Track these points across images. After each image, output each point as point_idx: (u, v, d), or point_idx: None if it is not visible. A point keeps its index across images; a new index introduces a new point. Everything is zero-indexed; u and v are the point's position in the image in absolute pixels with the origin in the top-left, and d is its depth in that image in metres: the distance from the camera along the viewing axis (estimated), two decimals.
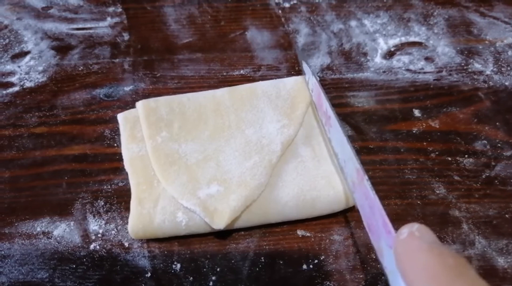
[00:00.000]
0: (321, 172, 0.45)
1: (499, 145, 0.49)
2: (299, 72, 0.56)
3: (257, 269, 0.41)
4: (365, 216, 0.39)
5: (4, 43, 0.60)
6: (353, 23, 0.62)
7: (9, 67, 0.58)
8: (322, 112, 0.47)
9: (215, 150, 0.46)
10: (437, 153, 0.49)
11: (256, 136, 0.47)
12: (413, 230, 0.30)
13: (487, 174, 0.47)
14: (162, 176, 0.44)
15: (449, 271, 0.27)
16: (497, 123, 0.51)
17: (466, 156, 0.49)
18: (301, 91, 0.50)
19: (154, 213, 0.42)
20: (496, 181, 0.47)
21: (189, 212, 0.42)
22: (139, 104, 0.49)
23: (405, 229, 0.31)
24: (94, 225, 0.44)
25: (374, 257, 0.42)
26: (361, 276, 0.41)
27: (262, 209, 0.42)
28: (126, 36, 0.61)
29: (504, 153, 0.49)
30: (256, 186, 0.43)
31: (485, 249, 0.42)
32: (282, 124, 0.47)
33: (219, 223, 0.41)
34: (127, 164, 0.46)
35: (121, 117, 0.49)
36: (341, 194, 0.43)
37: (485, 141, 0.50)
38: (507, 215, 0.44)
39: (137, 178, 0.45)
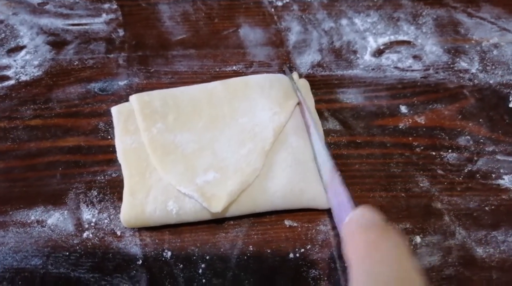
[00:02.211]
0: (310, 166, 0.46)
1: (481, 140, 0.51)
2: (290, 69, 0.57)
3: (246, 257, 0.43)
4: (336, 213, 0.42)
5: (0, 37, 0.61)
6: (344, 21, 0.64)
7: (5, 61, 0.59)
8: (305, 120, 0.50)
9: (210, 140, 0.47)
10: (422, 148, 0.50)
11: (249, 125, 0.48)
12: (356, 212, 0.35)
13: (469, 169, 0.49)
14: (160, 166, 0.45)
15: (371, 245, 0.31)
16: (481, 120, 0.53)
17: (449, 151, 0.50)
18: (290, 86, 0.52)
19: (146, 202, 0.43)
20: (477, 175, 0.48)
21: (180, 201, 0.43)
22: (133, 97, 0.50)
23: (350, 214, 0.35)
24: (87, 214, 0.45)
25: None
26: (345, 265, 0.42)
27: (251, 197, 0.44)
28: (121, 32, 0.62)
29: (486, 149, 0.50)
30: (251, 171, 0.44)
31: (465, 240, 0.44)
32: (274, 111, 0.49)
33: (217, 206, 0.42)
34: (120, 156, 0.47)
35: (114, 110, 0.50)
36: (323, 193, 0.45)
37: (469, 137, 0.51)
38: (487, 208, 0.46)
39: (130, 170, 0.46)
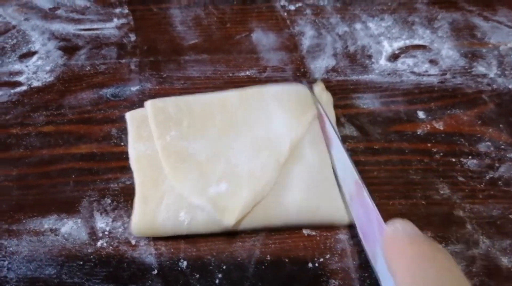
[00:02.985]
0: (327, 181, 0.45)
1: (502, 147, 0.50)
2: (304, 74, 0.57)
3: (263, 267, 0.42)
4: (361, 226, 0.41)
5: (12, 43, 0.61)
6: (357, 25, 0.63)
7: (17, 66, 0.58)
8: (324, 133, 0.48)
9: (224, 147, 0.46)
10: (441, 154, 0.49)
11: (264, 133, 0.47)
12: (396, 226, 0.35)
13: (491, 175, 0.48)
14: (173, 174, 0.44)
15: (422, 256, 0.31)
16: (501, 125, 0.52)
17: (470, 157, 0.49)
18: (310, 98, 0.51)
19: (158, 211, 0.42)
20: (499, 182, 0.47)
21: (192, 211, 0.42)
22: (148, 103, 0.49)
23: (390, 225, 0.35)
24: (101, 223, 0.44)
25: None
26: (366, 274, 0.41)
27: (265, 210, 0.43)
28: (132, 37, 0.62)
29: (507, 155, 0.49)
30: (266, 182, 0.43)
31: (489, 249, 0.43)
32: (290, 124, 0.47)
33: (229, 220, 0.41)
34: (133, 163, 0.47)
35: (128, 116, 0.50)
36: (342, 208, 0.44)
37: (489, 143, 0.50)
38: (510, 216, 0.45)
39: (143, 177, 0.45)
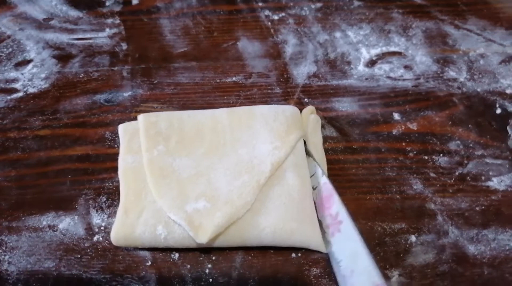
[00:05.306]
0: (305, 206, 0.45)
1: (471, 145, 0.54)
2: (288, 80, 0.60)
3: (250, 257, 0.45)
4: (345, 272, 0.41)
5: (7, 51, 0.64)
6: (337, 34, 0.67)
7: (13, 74, 0.61)
8: (328, 214, 0.46)
9: (208, 167, 0.47)
10: (415, 152, 0.53)
11: (248, 156, 0.48)
12: None
13: (460, 171, 0.51)
14: (154, 188, 0.45)
15: None
16: (470, 126, 0.55)
17: (441, 155, 0.53)
18: (298, 120, 0.51)
19: (137, 224, 0.43)
20: (468, 178, 0.51)
21: (169, 226, 0.43)
22: (140, 117, 0.51)
23: None
24: (97, 219, 0.47)
25: None
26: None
27: (240, 231, 0.43)
28: (124, 46, 0.65)
29: (475, 153, 0.53)
30: (242, 204, 0.44)
31: (458, 238, 0.46)
32: (274, 145, 0.48)
33: (202, 238, 0.42)
34: (120, 174, 0.48)
35: (121, 128, 0.51)
36: (318, 235, 0.44)
37: (459, 142, 0.54)
38: (477, 208, 0.48)
39: (127, 189, 0.46)
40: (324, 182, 0.47)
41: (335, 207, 0.45)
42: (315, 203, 0.47)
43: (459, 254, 0.45)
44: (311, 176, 0.49)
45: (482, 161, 0.52)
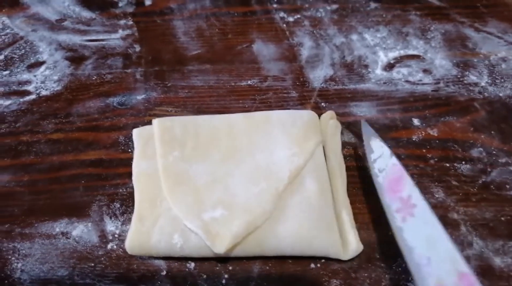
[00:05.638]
0: (325, 213, 0.44)
1: (494, 152, 0.52)
2: (304, 83, 0.59)
3: (267, 267, 0.44)
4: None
5: (20, 53, 0.63)
6: (354, 36, 0.65)
7: (25, 76, 0.60)
8: (398, 198, 0.42)
9: (225, 173, 0.46)
10: (436, 159, 0.51)
11: (266, 162, 0.47)
12: None
13: (483, 180, 0.50)
14: (170, 195, 0.44)
15: None
16: (492, 132, 0.54)
17: (463, 162, 0.51)
18: (316, 125, 0.51)
19: (152, 232, 0.43)
20: (491, 186, 0.49)
21: (185, 235, 0.42)
22: (155, 121, 0.50)
23: None
24: (111, 226, 0.46)
25: (378, 256, 0.44)
26: (365, 274, 0.43)
27: (259, 240, 0.42)
28: (137, 48, 0.64)
29: (499, 160, 0.51)
30: (261, 213, 0.43)
31: (483, 250, 0.45)
32: (292, 152, 0.47)
33: (220, 248, 0.41)
34: (134, 180, 0.47)
35: (135, 133, 0.50)
36: (338, 243, 0.43)
37: (481, 149, 0.52)
38: (502, 218, 0.47)
39: (142, 195, 0.45)
40: (394, 163, 0.44)
41: (407, 190, 0.42)
42: (379, 187, 0.44)
43: (485, 267, 0.44)
44: (378, 158, 0.46)
45: (506, 169, 0.50)
